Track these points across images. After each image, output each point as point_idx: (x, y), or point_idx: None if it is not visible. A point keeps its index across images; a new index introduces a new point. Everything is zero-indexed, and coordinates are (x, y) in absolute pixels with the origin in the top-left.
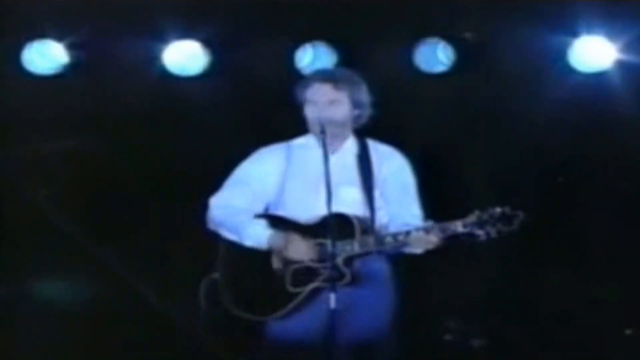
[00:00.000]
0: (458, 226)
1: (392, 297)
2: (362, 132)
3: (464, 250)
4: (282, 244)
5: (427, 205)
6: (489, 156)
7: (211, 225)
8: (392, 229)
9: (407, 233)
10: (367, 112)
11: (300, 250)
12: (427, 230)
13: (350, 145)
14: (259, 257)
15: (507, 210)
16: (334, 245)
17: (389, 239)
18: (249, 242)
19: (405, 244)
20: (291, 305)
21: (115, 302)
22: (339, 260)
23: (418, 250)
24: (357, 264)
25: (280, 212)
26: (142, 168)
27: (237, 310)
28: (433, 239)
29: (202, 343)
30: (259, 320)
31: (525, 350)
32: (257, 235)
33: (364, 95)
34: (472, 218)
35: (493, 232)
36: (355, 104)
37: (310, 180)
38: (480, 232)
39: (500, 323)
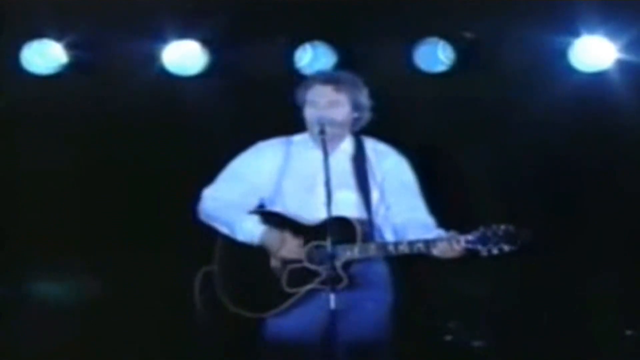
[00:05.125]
0: (461, 241)
1: (391, 299)
2: (361, 132)
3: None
4: (274, 242)
5: (427, 205)
6: (489, 156)
7: (202, 217)
8: (410, 233)
9: (427, 243)
10: (366, 115)
11: (292, 249)
12: (448, 242)
13: (346, 147)
14: (257, 254)
15: (511, 228)
16: (333, 250)
17: (402, 247)
18: (241, 237)
19: (422, 252)
20: (286, 305)
21: (115, 302)
22: (338, 264)
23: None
24: (355, 267)
25: (277, 209)
26: (141, 167)
27: (232, 306)
28: (457, 249)
29: (199, 339)
30: (254, 317)
31: (525, 350)
32: (250, 230)
33: (364, 99)
34: (475, 234)
35: (495, 250)
36: (355, 107)
37: (307, 179)
38: (482, 249)
39: (500, 324)
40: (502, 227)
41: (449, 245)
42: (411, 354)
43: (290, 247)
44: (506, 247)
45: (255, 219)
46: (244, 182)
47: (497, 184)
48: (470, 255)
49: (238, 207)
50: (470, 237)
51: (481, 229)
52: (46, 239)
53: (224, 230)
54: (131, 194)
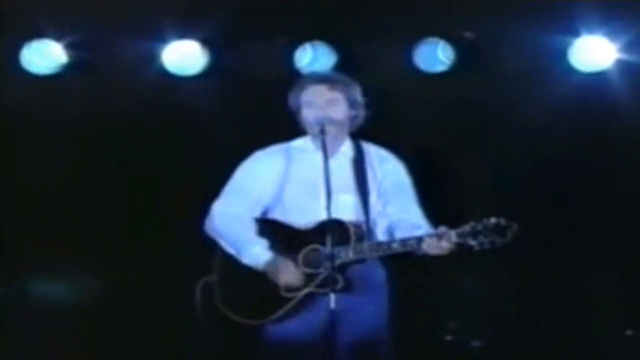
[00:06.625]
0: (452, 236)
1: (387, 302)
2: (360, 132)
3: (464, 251)
4: (275, 271)
5: (426, 206)
6: (488, 156)
7: (210, 231)
8: (400, 232)
9: (419, 239)
10: (362, 112)
11: (291, 279)
12: (439, 237)
13: (346, 149)
14: None
15: (502, 221)
16: (332, 251)
17: (395, 245)
18: (246, 261)
19: (414, 249)
20: (284, 310)
21: (115, 303)
22: (333, 266)
23: (433, 252)
24: (350, 270)
25: (278, 216)
26: (140, 167)
27: (232, 314)
28: (446, 245)
29: (199, 346)
30: (253, 324)
31: (525, 350)
32: (256, 256)
33: (359, 96)
34: (466, 228)
35: (486, 243)
36: (351, 104)
37: (308, 184)
38: (473, 243)
39: (500, 324)
40: (493, 220)
41: (441, 240)
42: (411, 354)
43: (289, 278)
44: (498, 240)
45: (263, 243)
46: (248, 195)
47: (497, 184)
48: (463, 251)
49: (245, 222)
50: (461, 231)
51: (472, 223)
52: (46, 239)
53: (230, 250)
54: (131, 194)
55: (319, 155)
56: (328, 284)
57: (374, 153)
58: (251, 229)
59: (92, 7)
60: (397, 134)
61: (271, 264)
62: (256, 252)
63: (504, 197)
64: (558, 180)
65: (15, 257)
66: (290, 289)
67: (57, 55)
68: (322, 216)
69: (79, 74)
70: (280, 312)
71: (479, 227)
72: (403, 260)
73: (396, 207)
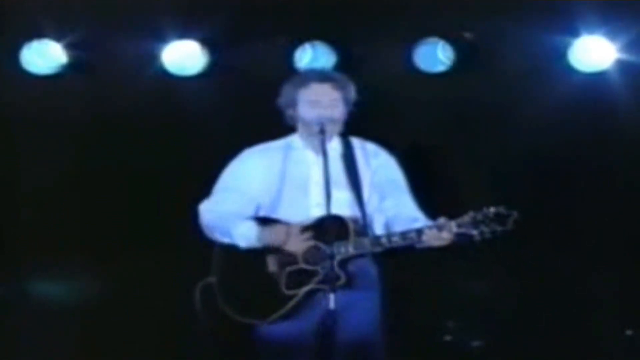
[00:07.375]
0: (453, 226)
1: (380, 299)
2: (360, 132)
3: (463, 250)
4: (278, 237)
5: (426, 205)
6: (488, 156)
7: (205, 231)
8: (398, 226)
9: (419, 231)
10: (351, 110)
11: (298, 243)
12: (439, 228)
13: (335, 145)
14: (254, 261)
15: (501, 210)
16: (332, 247)
17: (395, 238)
18: (241, 243)
19: (414, 241)
20: (287, 308)
21: (115, 303)
22: (334, 262)
23: (433, 244)
24: (350, 266)
25: (271, 214)
26: (140, 167)
27: (233, 314)
28: (446, 236)
29: (199, 347)
30: (255, 324)
31: (525, 350)
32: (246, 233)
33: (354, 95)
34: (466, 218)
35: (487, 232)
36: (347, 103)
37: (300, 181)
38: (474, 232)
39: (500, 324)
40: (492, 209)
41: (442, 231)
42: (410, 354)
43: (296, 241)
44: (499, 228)
45: (249, 222)
46: (238, 193)
47: (497, 184)
48: (464, 243)
49: (235, 216)
50: (461, 221)
51: (471, 213)
52: (46, 239)
53: (225, 240)
54: (131, 194)
55: (308, 153)
56: (330, 280)
57: (364, 148)
58: (239, 219)
59: (92, 7)
60: (396, 133)
61: (265, 235)
62: (244, 231)
63: (503, 196)
64: (558, 180)
65: (15, 257)
66: (290, 264)
67: (57, 55)
68: (313, 213)
69: (79, 74)
70: (282, 310)
71: (479, 216)
72: (402, 260)
73: (392, 201)
